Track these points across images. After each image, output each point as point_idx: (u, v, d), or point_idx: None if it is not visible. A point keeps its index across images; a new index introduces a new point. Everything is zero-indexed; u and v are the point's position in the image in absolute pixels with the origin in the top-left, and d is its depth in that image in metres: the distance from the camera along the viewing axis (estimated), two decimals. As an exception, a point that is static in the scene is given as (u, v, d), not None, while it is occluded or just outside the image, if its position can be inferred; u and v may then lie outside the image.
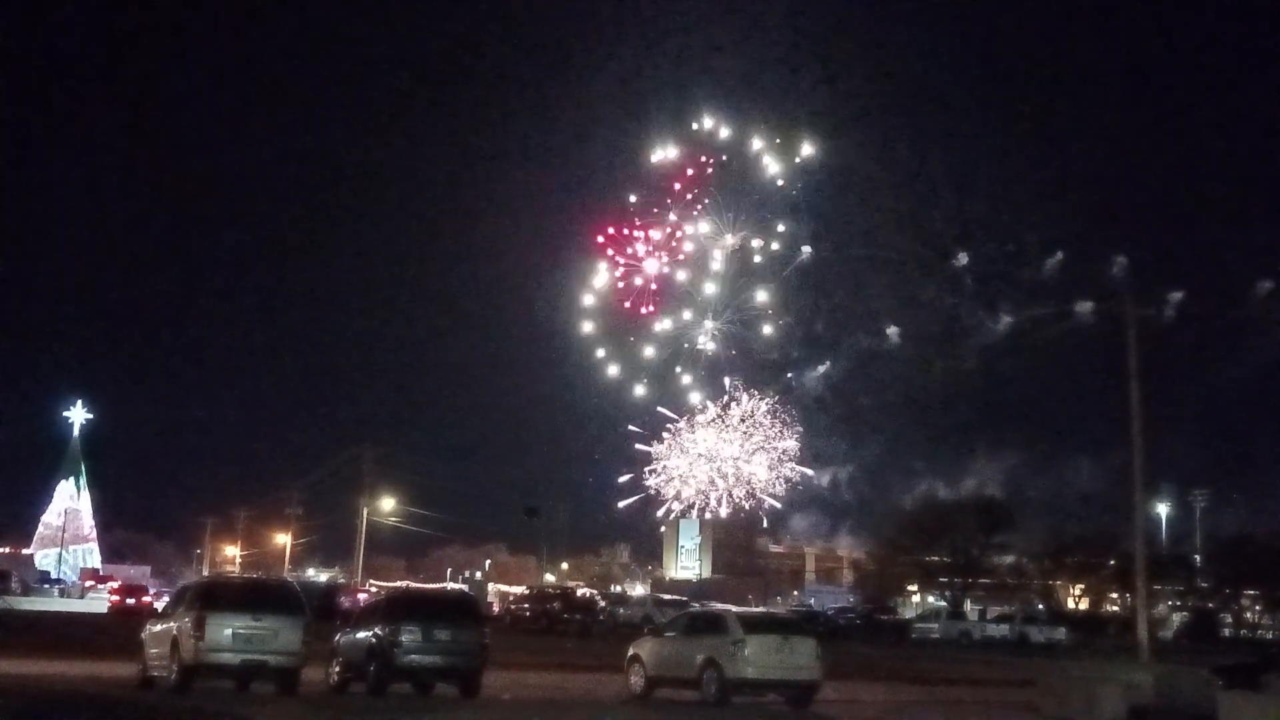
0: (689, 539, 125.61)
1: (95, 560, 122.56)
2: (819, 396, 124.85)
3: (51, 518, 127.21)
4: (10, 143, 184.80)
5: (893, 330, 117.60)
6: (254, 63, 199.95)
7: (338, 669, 27.36)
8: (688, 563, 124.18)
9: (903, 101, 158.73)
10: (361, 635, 26.66)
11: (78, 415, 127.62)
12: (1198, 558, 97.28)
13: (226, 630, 24.02)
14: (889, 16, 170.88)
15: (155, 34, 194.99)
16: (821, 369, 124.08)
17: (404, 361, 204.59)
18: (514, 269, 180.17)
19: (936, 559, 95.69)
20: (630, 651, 29.42)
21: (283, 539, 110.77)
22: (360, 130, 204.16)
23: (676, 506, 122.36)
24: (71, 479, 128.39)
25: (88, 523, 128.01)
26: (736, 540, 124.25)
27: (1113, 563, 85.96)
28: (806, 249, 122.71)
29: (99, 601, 73.92)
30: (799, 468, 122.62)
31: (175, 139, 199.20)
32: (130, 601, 65.62)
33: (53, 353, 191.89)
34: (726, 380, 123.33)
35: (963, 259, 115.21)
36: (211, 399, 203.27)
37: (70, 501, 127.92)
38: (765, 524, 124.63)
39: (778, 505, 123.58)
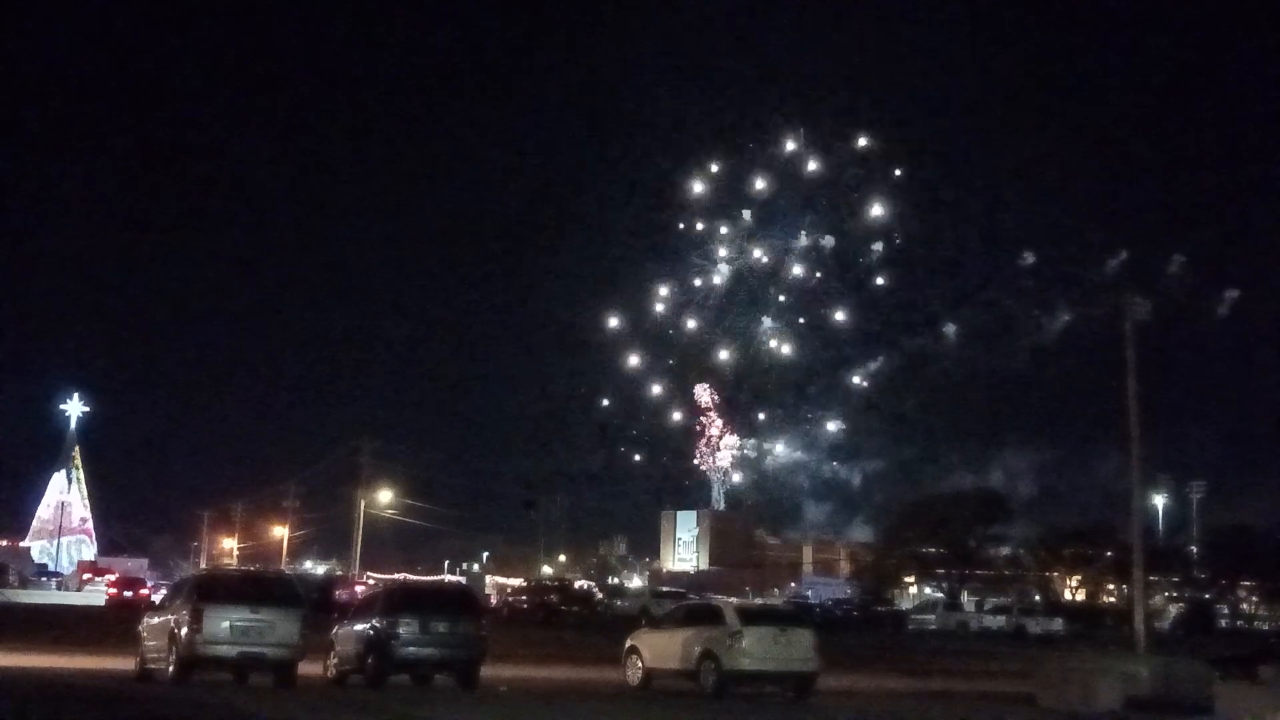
0: (686, 531, 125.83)
1: (87, 553, 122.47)
2: (864, 393, 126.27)
3: (45, 511, 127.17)
4: (13, 140, 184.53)
5: (950, 328, 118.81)
6: (261, 63, 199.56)
7: (336, 661, 27.38)
8: (685, 555, 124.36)
9: (969, 104, 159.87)
10: (359, 628, 26.67)
11: (74, 408, 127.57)
12: (1194, 549, 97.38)
13: (224, 623, 24.00)
14: (952, 20, 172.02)
15: (155, 34, 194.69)
16: (874, 365, 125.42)
17: (402, 355, 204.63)
18: (514, 264, 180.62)
19: (933, 550, 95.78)
20: (628, 643, 29.44)
21: (280, 532, 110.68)
22: (361, 129, 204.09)
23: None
24: (63, 471, 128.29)
25: (79, 515, 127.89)
26: (734, 532, 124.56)
27: (1109, 554, 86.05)
28: (879, 246, 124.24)
29: (96, 594, 73.87)
30: (829, 462, 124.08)
31: (176, 137, 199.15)
32: (128, 594, 65.60)
33: (51, 346, 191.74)
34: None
35: (1028, 258, 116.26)
36: (209, 392, 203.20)
37: (61, 494, 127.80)
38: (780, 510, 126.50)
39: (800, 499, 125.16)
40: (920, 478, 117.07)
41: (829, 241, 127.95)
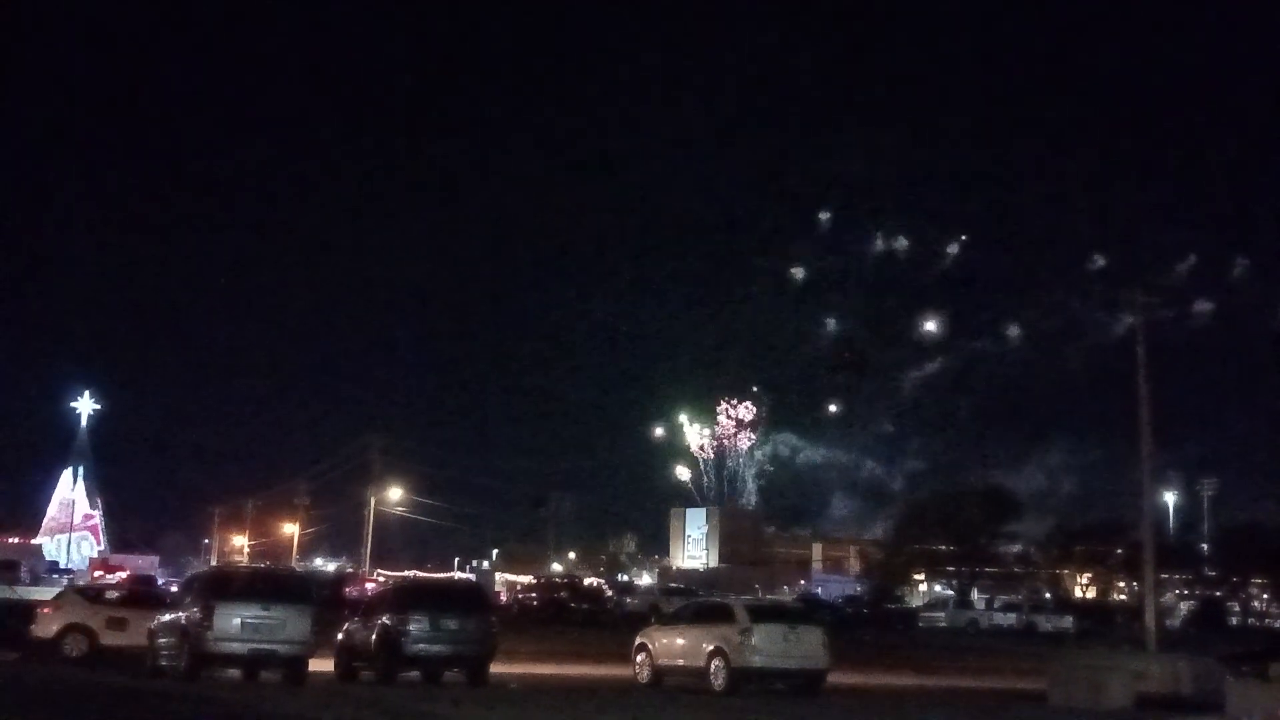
0: (696, 528, 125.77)
1: (89, 549, 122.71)
2: (914, 394, 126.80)
3: (55, 508, 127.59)
4: (19, 135, 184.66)
5: (1014, 331, 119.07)
6: (264, 62, 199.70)
7: (346, 657, 27.43)
8: (694, 552, 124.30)
9: (1038, 107, 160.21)
10: (370, 624, 26.73)
11: (85, 405, 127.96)
12: (1205, 546, 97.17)
13: (235, 620, 24.11)
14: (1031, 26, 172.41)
15: (156, 34, 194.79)
16: (930, 366, 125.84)
17: (412, 352, 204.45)
18: (521, 261, 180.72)
19: (943, 548, 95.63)
20: (638, 641, 29.46)
21: (291, 529, 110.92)
22: (367, 125, 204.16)
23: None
24: (69, 468, 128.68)
25: (81, 511, 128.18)
26: (744, 530, 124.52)
27: (1120, 551, 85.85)
28: (954, 248, 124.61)
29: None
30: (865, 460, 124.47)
31: (184, 130, 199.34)
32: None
33: (62, 344, 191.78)
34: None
35: (1098, 261, 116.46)
36: (220, 389, 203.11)
37: (66, 491, 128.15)
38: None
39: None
40: (962, 477, 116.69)
41: (902, 244, 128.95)
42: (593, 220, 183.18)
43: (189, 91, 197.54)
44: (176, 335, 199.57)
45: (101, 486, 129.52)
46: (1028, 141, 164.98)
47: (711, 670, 26.68)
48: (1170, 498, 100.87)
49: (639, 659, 29.01)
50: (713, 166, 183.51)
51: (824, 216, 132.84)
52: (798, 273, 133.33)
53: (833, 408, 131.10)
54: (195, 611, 24.37)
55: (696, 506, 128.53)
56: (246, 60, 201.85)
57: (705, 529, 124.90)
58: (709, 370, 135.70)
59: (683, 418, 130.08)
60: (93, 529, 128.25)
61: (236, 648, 24.25)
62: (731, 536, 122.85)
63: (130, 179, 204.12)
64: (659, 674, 28.30)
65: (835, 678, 27.80)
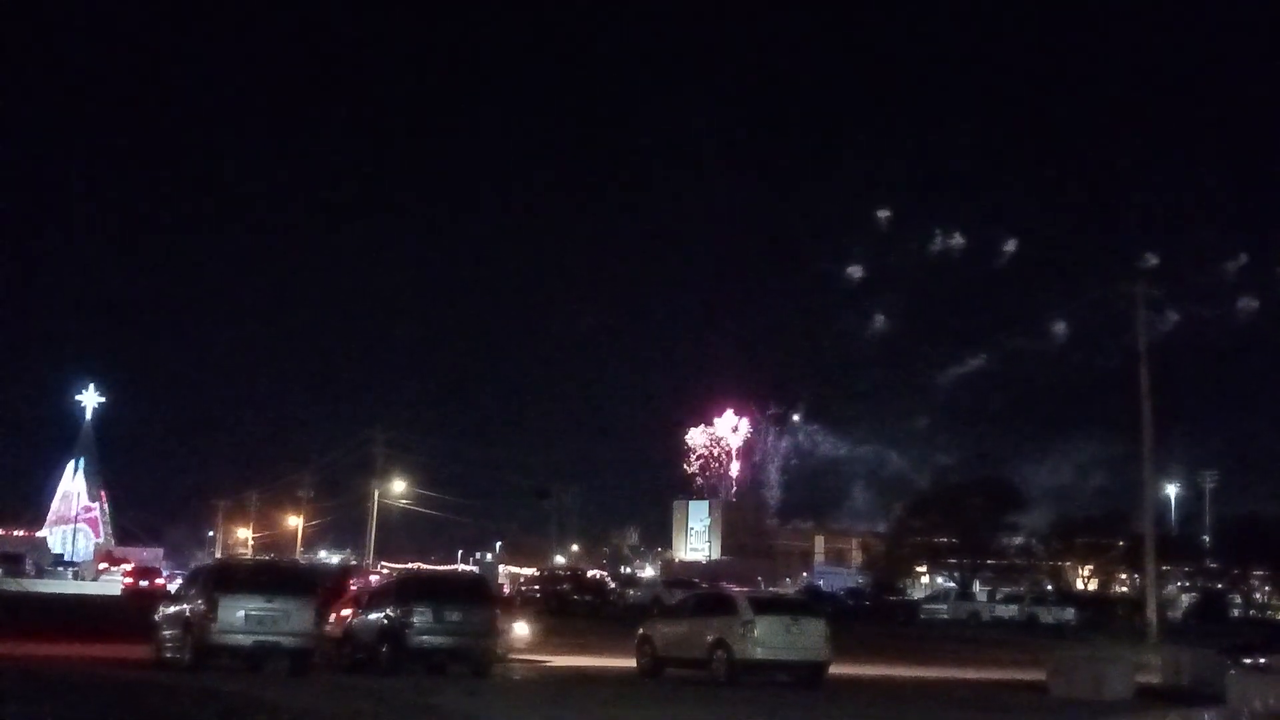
0: (698, 520, 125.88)
1: (85, 542, 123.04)
2: (952, 390, 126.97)
3: (57, 501, 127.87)
4: (21, 133, 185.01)
5: (1060, 328, 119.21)
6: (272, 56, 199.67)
7: (350, 650, 27.55)
8: (697, 544, 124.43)
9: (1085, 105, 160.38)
10: (373, 617, 26.85)
11: (89, 399, 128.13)
12: (1207, 538, 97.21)
13: (239, 612, 24.26)
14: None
15: (159, 32, 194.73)
16: (974, 362, 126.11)
17: (416, 344, 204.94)
18: (523, 256, 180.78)
19: (945, 540, 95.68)
20: (640, 632, 29.58)
21: (295, 521, 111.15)
22: (369, 130, 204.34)
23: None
24: (72, 461, 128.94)
25: (81, 504, 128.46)
26: (746, 522, 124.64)
27: (1122, 543, 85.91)
28: (1011, 245, 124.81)
29: (112, 584, 74.30)
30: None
31: (185, 128, 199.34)
32: (144, 584, 66.01)
33: (66, 337, 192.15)
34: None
35: (1151, 260, 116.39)
36: (224, 382, 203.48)
37: (69, 484, 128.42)
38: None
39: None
40: (983, 471, 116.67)
41: (958, 241, 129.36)
42: (595, 217, 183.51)
43: (190, 89, 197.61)
44: (181, 329, 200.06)
45: (106, 479, 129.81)
46: (1056, 137, 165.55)
47: (713, 661, 26.79)
48: (1172, 490, 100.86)
49: (641, 650, 29.12)
50: (722, 163, 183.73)
51: (865, 212, 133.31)
52: (823, 268, 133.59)
53: (862, 402, 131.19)
54: (199, 604, 24.54)
55: (700, 499, 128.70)
56: (248, 60, 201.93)
57: (708, 521, 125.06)
58: (717, 363, 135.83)
59: (708, 411, 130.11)
60: (91, 521, 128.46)
61: (240, 640, 24.42)
62: (734, 529, 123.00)
63: (133, 176, 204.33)
64: (661, 665, 28.41)
65: (837, 669, 27.90)
